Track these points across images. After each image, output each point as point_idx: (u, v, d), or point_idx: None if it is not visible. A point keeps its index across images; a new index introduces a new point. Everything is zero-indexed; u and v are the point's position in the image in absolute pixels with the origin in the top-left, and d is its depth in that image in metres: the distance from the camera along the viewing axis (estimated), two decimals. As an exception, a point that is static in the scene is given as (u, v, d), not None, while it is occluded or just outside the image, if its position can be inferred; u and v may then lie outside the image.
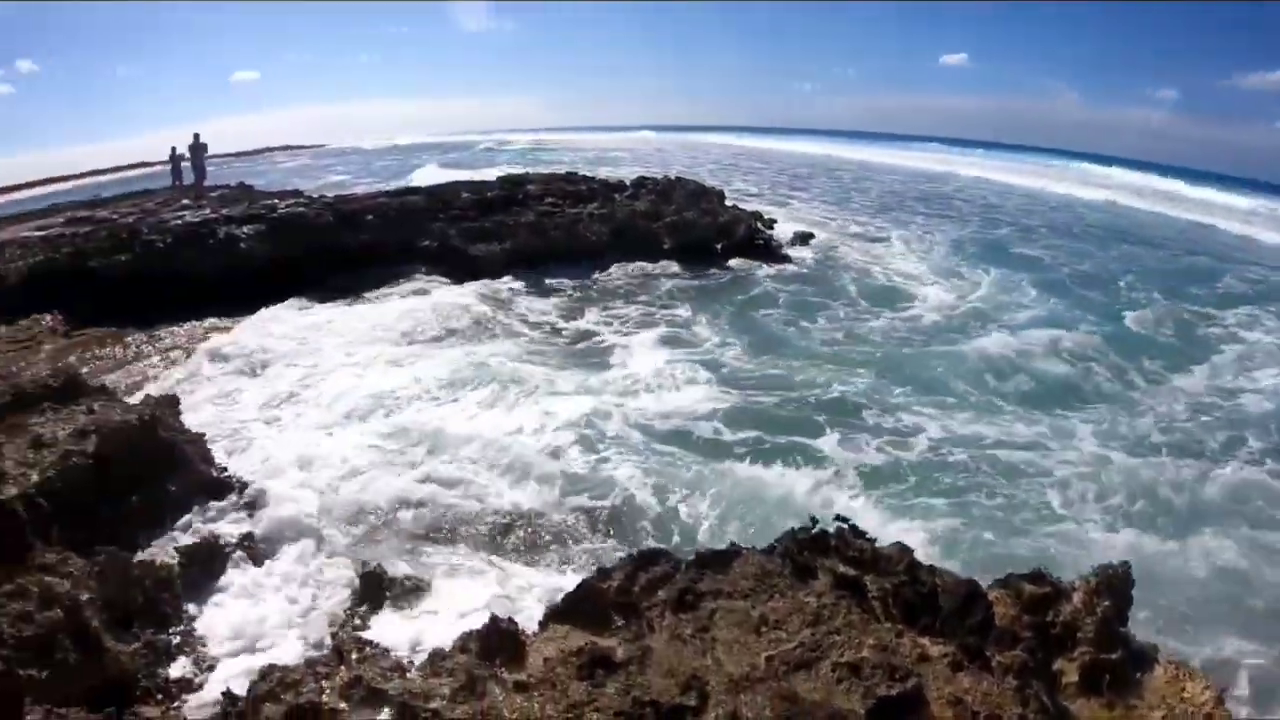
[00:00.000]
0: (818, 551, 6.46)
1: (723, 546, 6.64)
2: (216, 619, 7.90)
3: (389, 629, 7.61)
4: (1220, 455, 13.10)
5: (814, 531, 6.66)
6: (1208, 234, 41.07)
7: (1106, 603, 6.83)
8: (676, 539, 9.70)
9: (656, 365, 15.40)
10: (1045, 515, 10.96)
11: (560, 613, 6.16)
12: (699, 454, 11.93)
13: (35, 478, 8.57)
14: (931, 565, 6.61)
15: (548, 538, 9.64)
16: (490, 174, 35.04)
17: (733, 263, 24.21)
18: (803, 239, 28.19)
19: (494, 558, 9.20)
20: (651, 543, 9.32)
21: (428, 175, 42.34)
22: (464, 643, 5.48)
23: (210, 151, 39.97)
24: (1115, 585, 7.11)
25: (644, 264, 23.46)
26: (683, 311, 19.41)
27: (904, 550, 6.75)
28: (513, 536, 9.67)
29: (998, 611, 6.52)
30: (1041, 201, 48.91)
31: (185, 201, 31.55)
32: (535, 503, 10.38)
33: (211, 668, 7.15)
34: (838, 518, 7.01)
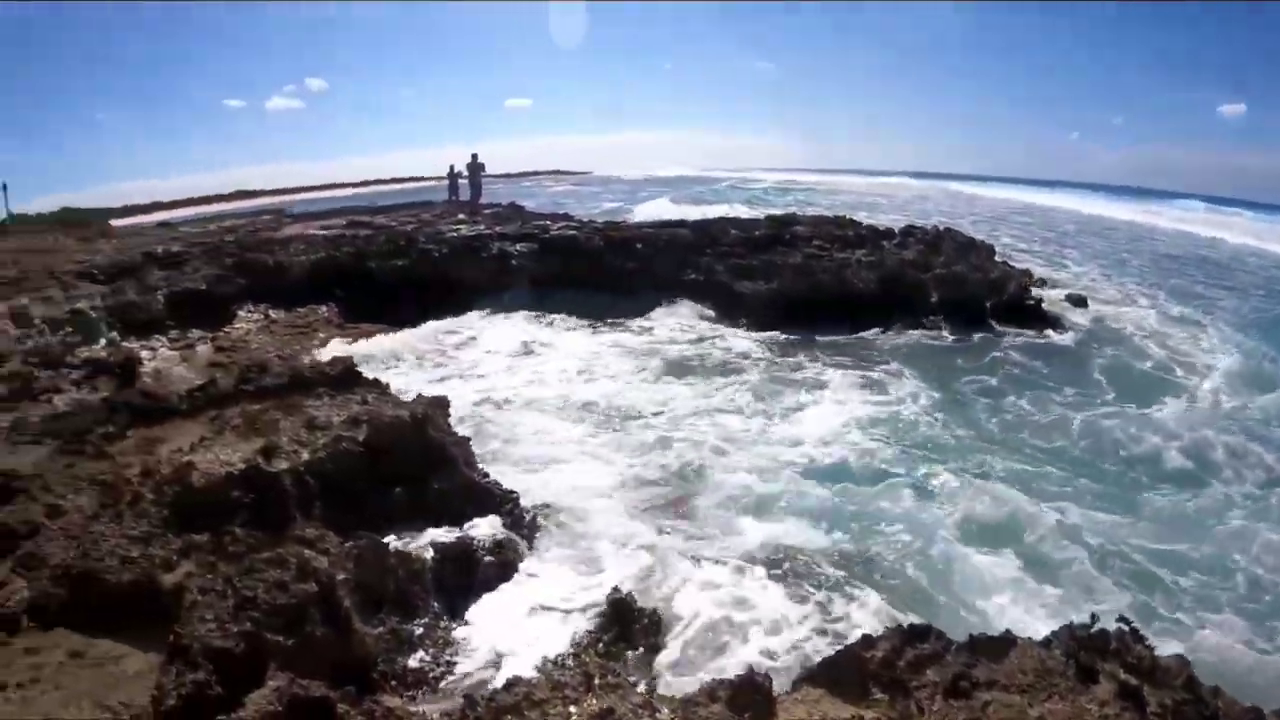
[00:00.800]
0: (1096, 653, 6.26)
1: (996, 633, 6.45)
2: (462, 620, 8.27)
3: (636, 661, 7.71)
4: None
5: (1094, 630, 6.46)
6: None
7: None
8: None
9: (832, 420, 15.00)
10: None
11: (815, 677, 6.10)
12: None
13: (306, 456, 9.25)
14: (1216, 686, 6.30)
15: (806, 586, 9.46)
16: (714, 211, 35.71)
17: (998, 324, 23.22)
18: (1076, 302, 26.62)
19: (749, 596, 9.15)
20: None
21: (656, 209, 43.97)
22: (714, 690, 5.53)
23: (487, 171, 42.03)
24: None
25: (907, 315, 23.00)
26: (909, 369, 18.59)
27: (1183, 663, 6.47)
28: (768, 575, 9.59)
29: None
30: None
31: (461, 216, 33.30)
32: (792, 540, 10.42)
33: (450, 667, 7.45)
34: (1120, 619, 6.77)
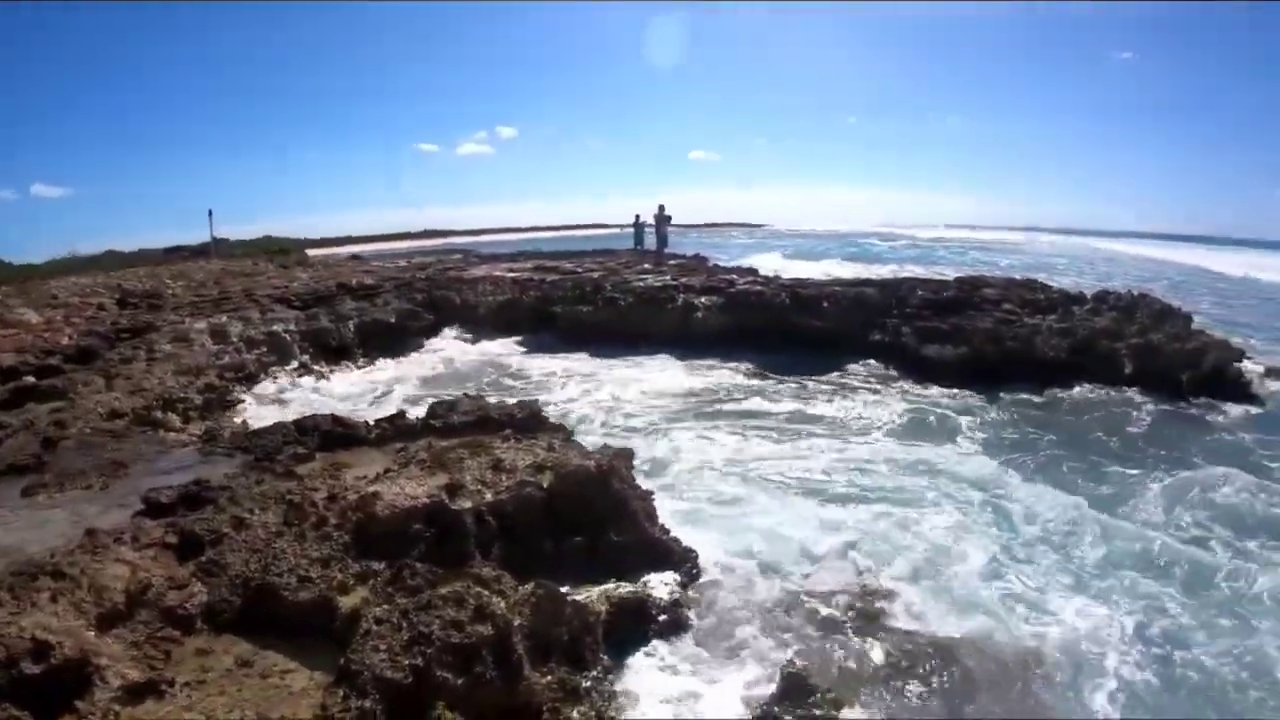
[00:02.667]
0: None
1: None
2: (630, 677, 8.36)
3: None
4: None
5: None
6: None
7: None
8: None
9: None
10: None
11: None
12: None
13: (489, 497, 9.69)
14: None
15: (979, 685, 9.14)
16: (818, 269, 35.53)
17: (1198, 399, 22.16)
18: (1274, 373, 25.04)
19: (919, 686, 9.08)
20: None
21: (770, 263, 45.04)
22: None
23: (672, 222, 42.88)
24: None
25: (1099, 384, 22.54)
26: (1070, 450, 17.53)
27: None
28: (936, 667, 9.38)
29: None
30: None
31: (646, 265, 33.93)
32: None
33: (614, 723, 7.75)
34: None
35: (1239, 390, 22.90)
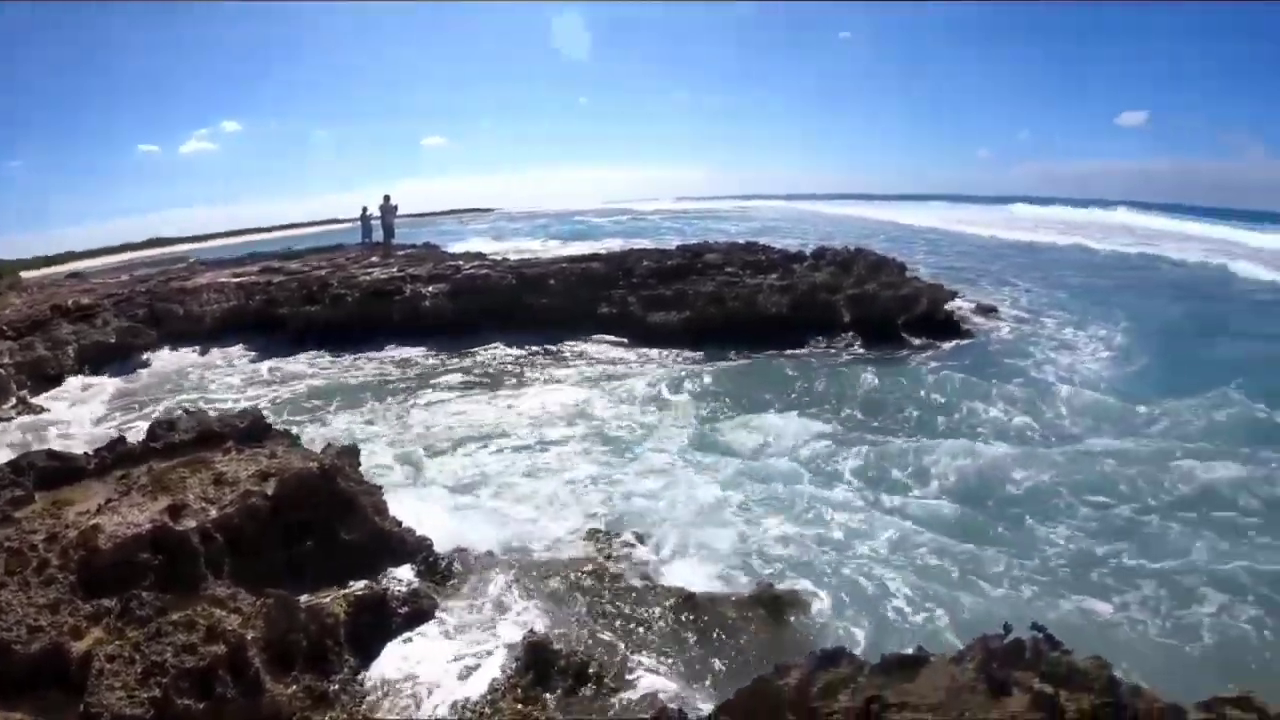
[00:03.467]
0: (1010, 663, 6.26)
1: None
2: (377, 672, 8.22)
3: (556, 704, 7.66)
4: None
5: (1007, 640, 6.46)
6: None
7: None
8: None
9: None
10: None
11: (731, 708, 6.19)
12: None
13: (214, 513, 9.18)
14: (1137, 685, 6.31)
15: (722, 633, 9.37)
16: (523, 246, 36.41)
17: (912, 339, 23.84)
18: (987, 312, 27.92)
19: (660, 636, 9.24)
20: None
21: (495, 246, 46.51)
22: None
23: (399, 212, 42.06)
24: None
25: (821, 335, 23.65)
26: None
27: (1101, 664, 6.50)
28: (685, 619, 9.53)
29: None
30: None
31: (374, 259, 33.23)
32: (704, 585, 10.42)
33: (366, 722, 7.52)
34: (1034, 625, 6.80)
35: (951, 327, 24.92)
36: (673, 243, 34.45)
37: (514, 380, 20.54)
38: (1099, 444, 15.53)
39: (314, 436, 14.45)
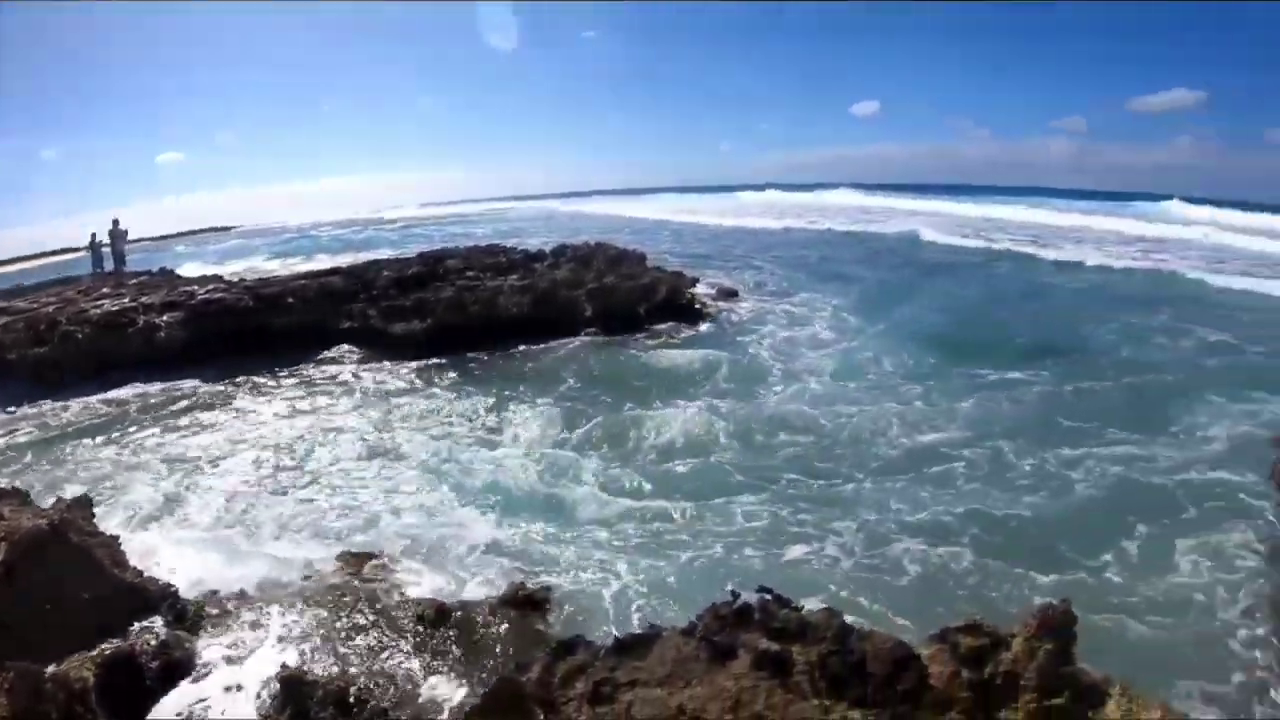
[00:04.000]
0: (740, 626, 6.30)
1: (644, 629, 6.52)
2: None
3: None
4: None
5: (736, 605, 6.51)
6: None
7: (1048, 645, 6.74)
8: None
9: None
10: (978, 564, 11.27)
11: (479, 710, 6.06)
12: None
13: None
14: (865, 629, 6.46)
15: (476, 639, 9.37)
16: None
17: (656, 325, 24.50)
18: (727, 295, 28.85)
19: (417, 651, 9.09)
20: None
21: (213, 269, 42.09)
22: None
23: (135, 235, 40.03)
24: (1056, 625, 7.02)
25: (565, 331, 23.87)
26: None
27: (832, 615, 6.62)
28: (440, 632, 9.42)
29: (935, 670, 6.44)
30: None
31: (105, 289, 31.23)
32: (456, 594, 10.48)
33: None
34: (760, 588, 6.87)
35: (693, 312, 25.76)
36: (416, 250, 33.89)
37: (253, 407, 19.63)
38: (814, 411, 16.86)
39: (42, 488, 13.47)
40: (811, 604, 6.95)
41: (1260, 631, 10.20)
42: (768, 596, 6.82)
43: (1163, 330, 24.49)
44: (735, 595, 6.79)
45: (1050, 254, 40.95)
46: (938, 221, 59.74)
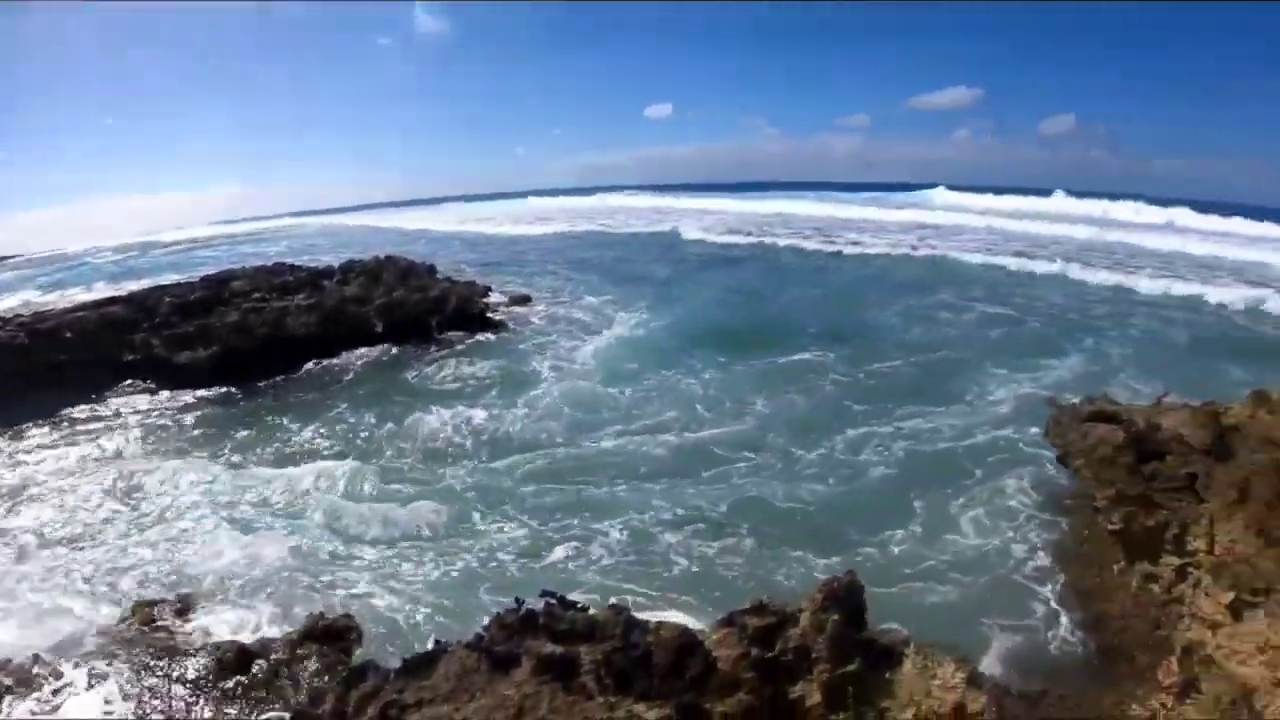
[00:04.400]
0: (526, 633, 6.31)
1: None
2: None
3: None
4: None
5: (521, 613, 6.51)
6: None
7: (835, 616, 6.94)
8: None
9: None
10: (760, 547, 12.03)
11: None
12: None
13: None
14: (654, 621, 6.53)
15: (277, 676, 9.10)
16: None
17: (447, 336, 24.42)
18: (519, 301, 28.91)
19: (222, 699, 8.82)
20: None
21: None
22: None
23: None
24: (843, 595, 7.24)
25: (357, 347, 23.49)
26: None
27: (618, 612, 6.68)
28: (243, 673, 9.16)
29: (722, 654, 6.54)
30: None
31: None
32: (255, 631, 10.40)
33: None
34: (544, 592, 6.89)
35: (484, 320, 25.69)
36: (201, 273, 32.64)
37: (32, 454, 18.32)
38: (583, 417, 17.54)
39: None
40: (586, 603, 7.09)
41: (1042, 564, 11.44)
42: (552, 600, 6.86)
43: (945, 309, 26.59)
44: (519, 602, 6.81)
45: (833, 245, 42.92)
46: (727, 219, 61.85)
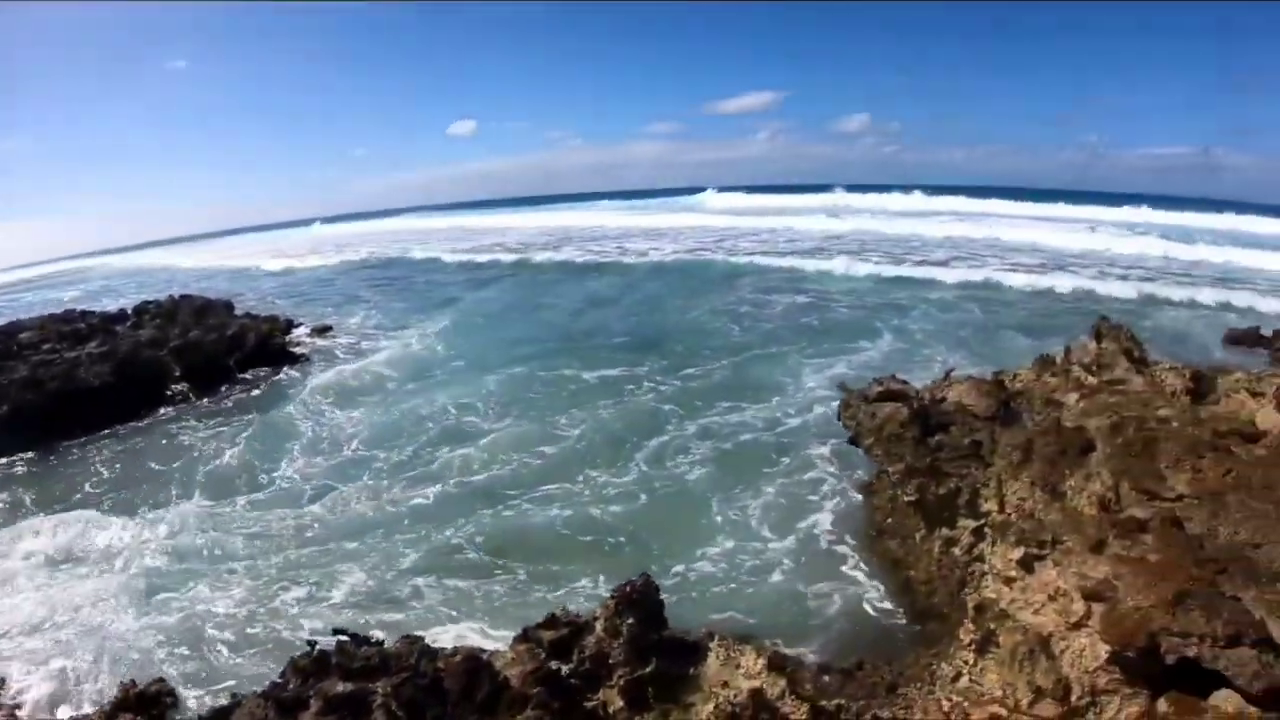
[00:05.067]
0: (320, 674, 6.45)
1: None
2: None
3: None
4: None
5: (313, 655, 6.65)
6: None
7: (630, 620, 7.22)
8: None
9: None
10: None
11: None
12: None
13: None
14: (449, 648, 6.70)
15: None
16: None
17: (249, 373, 23.61)
18: (321, 331, 28.31)
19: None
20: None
21: None
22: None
23: None
24: (638, 598, 7.55)
25: (155, 394, 22.36)
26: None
27: (412, 642, 6.85)
28: None
29: (515, 672, 6.75)
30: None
31: None
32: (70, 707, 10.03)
33: None
34: (335, 630, 7.04)
35: (286, 355, 24.92)
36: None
37: None
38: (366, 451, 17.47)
39: None
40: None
41: (851, 541, 12.04)
42: (344, 638, 7.02)
43: (749, 308, 27.51)
44: (311, 645, 6.95)
45: (630, 258, 44.07)
46: (528, 234, 62.98)
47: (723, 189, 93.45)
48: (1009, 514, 9.08)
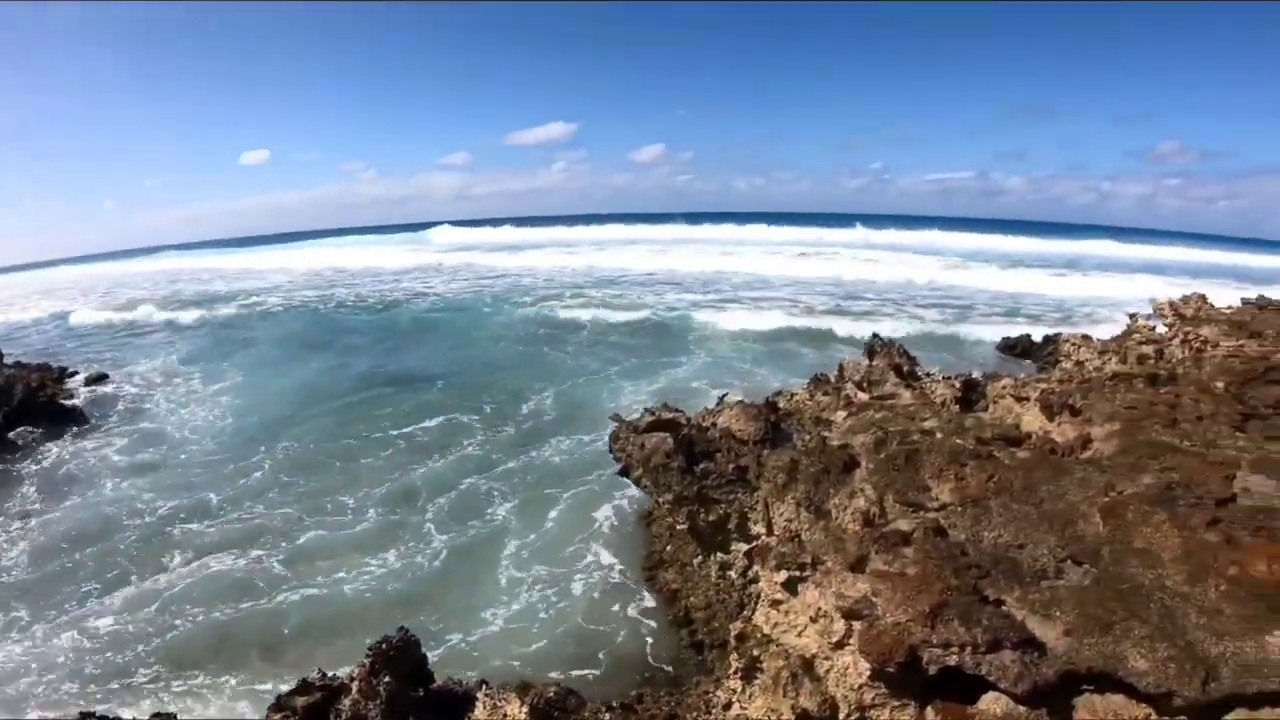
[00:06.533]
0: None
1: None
2: None
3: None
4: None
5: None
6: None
7: (387, 678, 6.88)
8: None
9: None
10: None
11: None
12: None
13: None
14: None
15: None
16: None
17: (18, 432, 21.32)
18: (97, 380, 26.55)
19: None
20: None
21: None
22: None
23: None
24: (396, 656, 7.19)
25: None
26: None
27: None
28: None
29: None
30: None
31: None
32: None
33: None
34: (83, 714, 6.63)
35: (55, 408, 22.72)
36: None
37: None
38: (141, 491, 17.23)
39: None
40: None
41: (632, 574, 12.16)
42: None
43: (545, 344, 28.93)
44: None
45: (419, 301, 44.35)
46: (302, 275, 62.67)
47: (519, 222, 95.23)
48: (776, 536, 9.03)
